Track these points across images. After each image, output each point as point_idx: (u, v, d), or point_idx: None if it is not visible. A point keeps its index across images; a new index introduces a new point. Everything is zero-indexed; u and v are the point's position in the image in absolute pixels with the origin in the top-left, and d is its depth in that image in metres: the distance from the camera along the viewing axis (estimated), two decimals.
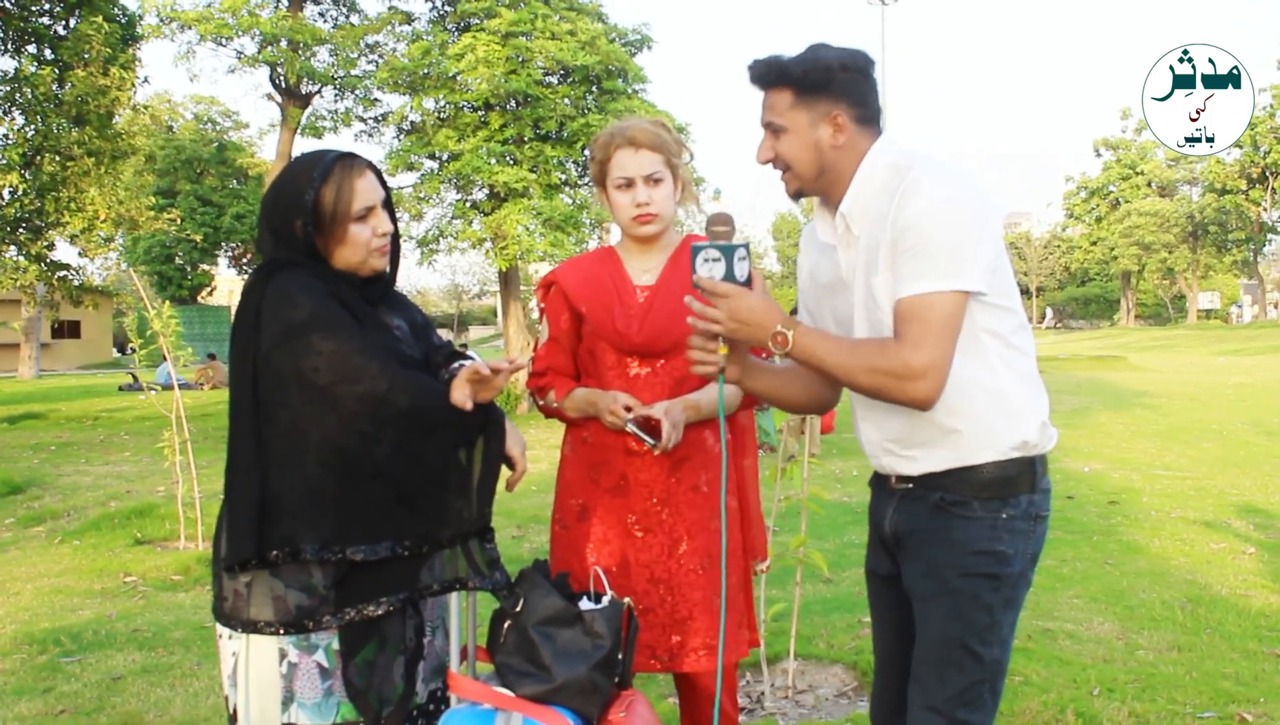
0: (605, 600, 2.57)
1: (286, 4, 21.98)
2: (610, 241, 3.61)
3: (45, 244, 17.56)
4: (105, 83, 15.94)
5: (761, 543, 3.28)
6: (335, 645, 2.33)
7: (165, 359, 8.19)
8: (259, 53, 20.98)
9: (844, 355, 2.25)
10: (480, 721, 2.40)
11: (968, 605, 2.33)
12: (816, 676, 4.74)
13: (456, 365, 2.51)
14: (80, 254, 20.49)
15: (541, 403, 3.14)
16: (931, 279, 2.21)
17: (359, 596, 2.31)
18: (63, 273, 18.17)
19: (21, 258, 17.59)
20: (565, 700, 2.40)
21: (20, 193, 16.50)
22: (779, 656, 4.79)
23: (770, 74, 2.39)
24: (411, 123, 19.18)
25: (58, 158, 16.51)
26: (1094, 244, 72.09)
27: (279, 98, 22.36)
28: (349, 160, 2.44)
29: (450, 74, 17.58)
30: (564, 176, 18.53)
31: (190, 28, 20.25)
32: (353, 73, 21.30)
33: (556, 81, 18.22)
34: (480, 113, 18.22)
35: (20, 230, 16.99)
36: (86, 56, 15.83)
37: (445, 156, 18.22)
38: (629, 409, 2.89)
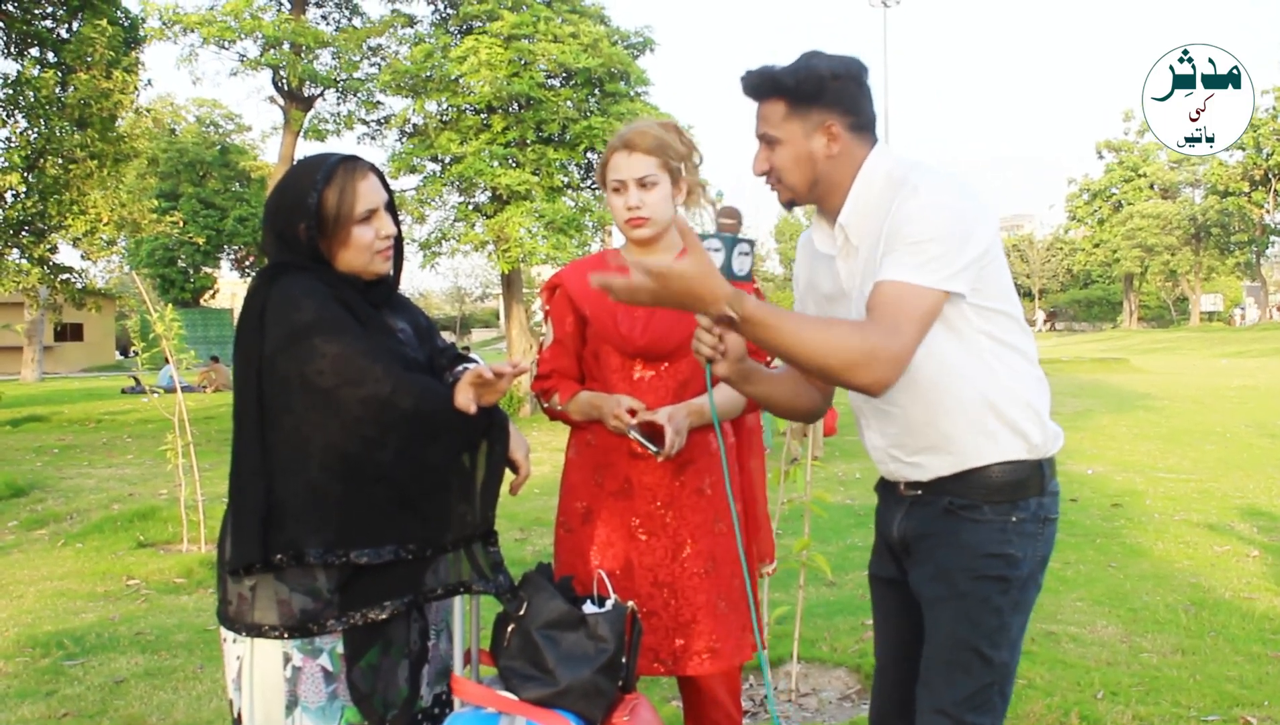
0: (609, 604, 2.56)
1: (289, 7, 21.98)
2: (613, 244, 3.61)
3: (48, 247, 17.56)
4: (108, 86, 15.94)
5: (768, 546, 3.28)
6: (339, 649, 2.33)
7: (168, 362, 8.18)
8: (261, 56, 20.97)
9: (806, 329, 2.16)
10: None
11: (977, 608, 2.34)
12: (820, 679, 4.74)
13: (460, 368, 2.51)
14: (83, 257, 20.46)
15: (546, 405, 3.14)
16: (913, 270, 2.20)
17: (363, 600, 2.31)
18: (65, 276, 18.17)
19: (24, 261, 17.60)
20: (569, 704, 2.40)
21: (23, 195, 16.50)
22: (782, 659, 4.80)
23: (763, 85, 2.39)
24: (414, 125, 19.18)
25: (60, 161, 16.51)
26: (1096, 246, 72.03)
27: (281, 100, 22.36)
28: (351, 163, 2.44)
29: (452, 77, 17.57)
30: (566, 179, 18.53)
31: (193, 31, 20.23)
32: (355, 75, 21.29)
33: (559, 84, 18.21)
34: (483, 115, 18.22)
35: (23, 233, 16.99)
36: (89, 59, 15.85)
37: (448, 159, 18.22)
38: (632, 413, 2.89)
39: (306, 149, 21.76)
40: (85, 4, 16.50)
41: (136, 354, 8.90)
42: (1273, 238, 65.35)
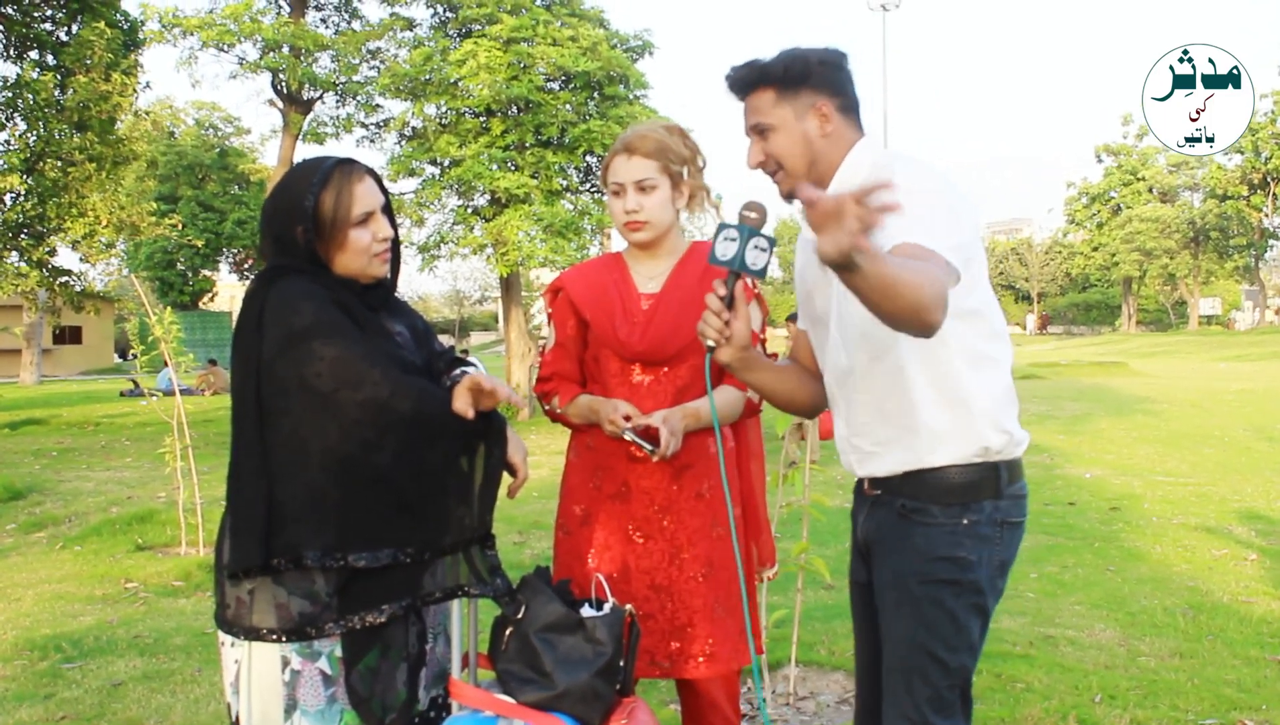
0: (607, 607, 2.56)
1: (288, 10, 22.01)
2: (612, 247, 3.61)
3: (47, 250, 17.55)
4: (107, 88, 15.95)
5: (769, 549, 3.28)
6: (338, 652, 2.33)
7: (166, 365, 8.18)
8: (261, 59, 21.00)
9: (911, 272, 1.95)
10: None
11: (930, 612, 2.33)
12: (818, 683, 4.74)
13: (459, 372, 2.51)
14: (82, 260, 20.51)
15: (547, 408, 3.15)
16: (907, 234, 2.09)
17: (362, 603, 2.31)
18: (64, 278, 18.16)
19: (23, 263, 17.59)
20: (567, 707, 2.40)
21: (22, 198, 16.50)
22: (780, 663, 4.79)
23: (750, 76, 2.41)
24: (413, 128, 19.18)
25: (59, 163, 16.51)
26: (1095, 250, 72.06)
27: (280, 103, 22.38)
28: (348, 166, 2.44)
29: (452, 80, 17.58)
30: (565, 182, 18.52)
31: (192, 34, 20.27)
32: (354, 79, 21.31)
33: (558, 87, 18.21)
34: (482, 119, 18.22)
35: (22, 236, 16.98)
36: (88, 62, 15.85)
37: (447, 162, 18.21)
38: (629, 418, 2.89)
39: (305, 152, 21.76)
40: (84, 7, 16.51)
41: (135, 357, 8.91)
42: (1271, 241, 65.41)
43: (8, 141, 16.72)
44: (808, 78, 2.36)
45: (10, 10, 16.52)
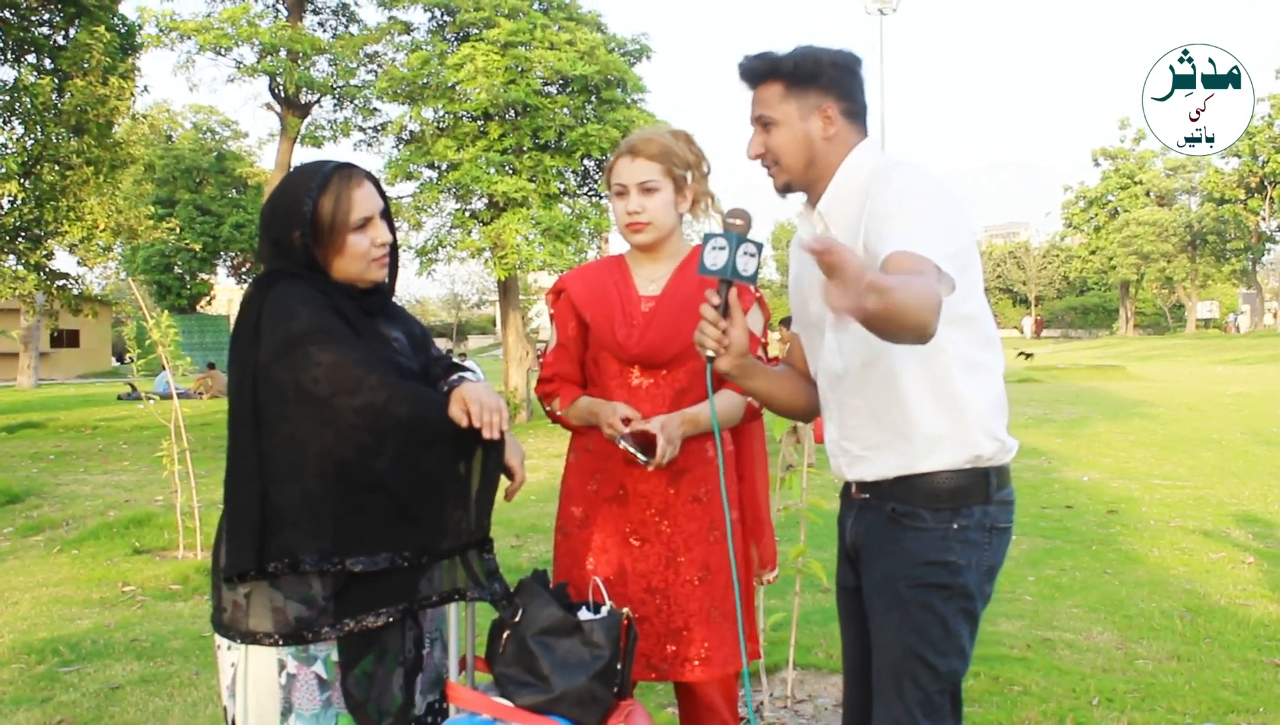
0: (604, 610, 2.57)
1: (286, 14, 22.00)
2: (610, 250, 3.62)
3: (44, 253, 17.54)
4: (104, 92, 15.95)
5: (770, 552, 3.28)
6: (334, 656, 2.33)
7: (164, 368, 8.18)
8: (258, 62, 20.98)
9: (912, 290, 1.96)
10: None
11: (919, 616, 2.34)
12: (815, 686, 4.74)
13: (455, 377, 2.52)
14: (79, 263, 20.54)
15: (548, 409, 3.16)
16: (903, 243, 2.12)
17: (358, 608, 2.31)
18: (62, 282, 18.16)
19: (20, 267, 17.58)
20: (564, 710, 2.40)
21: (19, 202, 16.50)
22: (778, 666, 4.80)
23: (761, 68, 2.41)
24: (410, 132, 19.16)
25: (57, 167, 16.52)
26: (1093, 253, 72.07)
27: (278, 107, 22.36)
28: (347, 170, 2.44)
29: (449, 84, 17.56)
30: (563, 186, 18.50)
31: (189, 37, 20.24)
32: (352, 82, 21.29)
33: (555, 91, 18.21)
34: (479, 122, 18.21)
35: (19, 239, 16.98)
36: (86, 66, 15.85)
37: (444, 166, 18.19)
38: (627, 421, 2.89)
39: (303, 156, 21.80)
40: (82, 10, 16.50)
41: (132, 360, 8.89)
42: (1268, 245, 65.43)
43: (5, 145, 16.74)
44: (818, 78, 2.37)
45: (8, 14, 16.52)
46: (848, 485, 2.55)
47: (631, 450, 2.84)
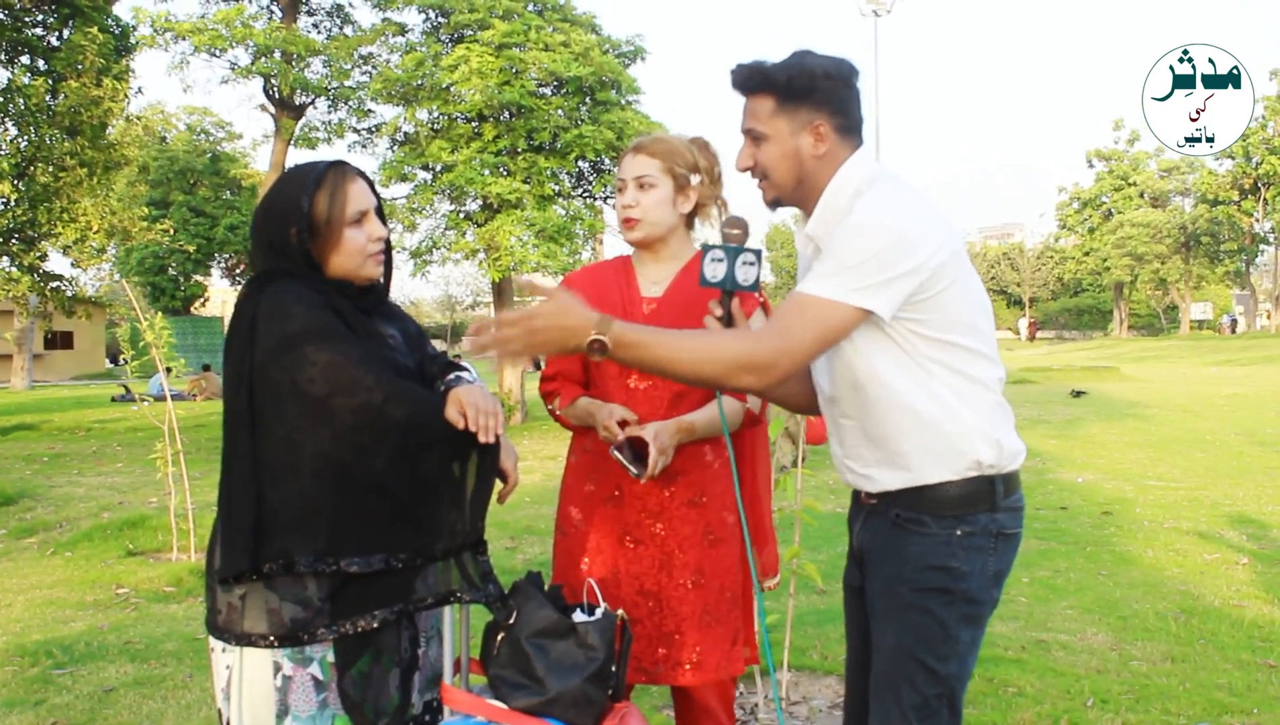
0: (598, 612, 2.56)
1: (280, 16, 22.01)
2: (604, 252, 3.63)
3: (38, 255, 17.50)
4: (98, 93, 15.93)
5: (773, 559, 3.28)
6: (330, 658, 2.32)
7: (158, 370, 8.16)
8: (252, 64, 20.98)
9: (682, 343, 2.17)
10: None
11: (920, 620, 2.33)
12: (810, 688, 4.74)
13: (451, 376, 2.51)
14: (73, 265, 20.43)
15: (549, 407, 3.16)
16: (820, 281, 2.20)
17: (354, 609, 2.31)
18: (55, 283, 18.12)
19: (14, 268, 17.53)
20: (558, 713, 2.39)
21: (13, 203, 16.46)
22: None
23: (753, 79, 2.38)
24: (405, 134, 19.15)
25: (50, 168, 16.48)
26: (1086, 254, 72.08)
27: (272, 109, 22.37)
28: (340, 167, 2.46)
29: (444, 85, 17.55)
30: (557, 187, 18.49)
31: (184, 39, 20.23)
32: (346, 84, 21.29)
33: (550, 93, 18.20)
34: (474, 124, 18.21)
35: (13, 241, 16.94)
36: (80, 67, 15.84)
37: (439, 168, 18.19)
38: (624, 424, 2.89)
39: (297, 157, 21.79)
40: (76, 11, 16.49)
41: (126, 362, 8.88)
42: (1262, 246, 65.52)
43: None
44: (810, 94, 2.33)
45: (1, 15, 16.50)
46: (856, 490, 2.56)
47: (622, 461, 2.83)
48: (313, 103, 22.10)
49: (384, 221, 2.53)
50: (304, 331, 2.27)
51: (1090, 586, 6.52)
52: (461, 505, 2.39)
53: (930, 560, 2.33)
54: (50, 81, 16.29)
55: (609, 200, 19.61)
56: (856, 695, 2.59)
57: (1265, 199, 59.88)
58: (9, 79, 16.39)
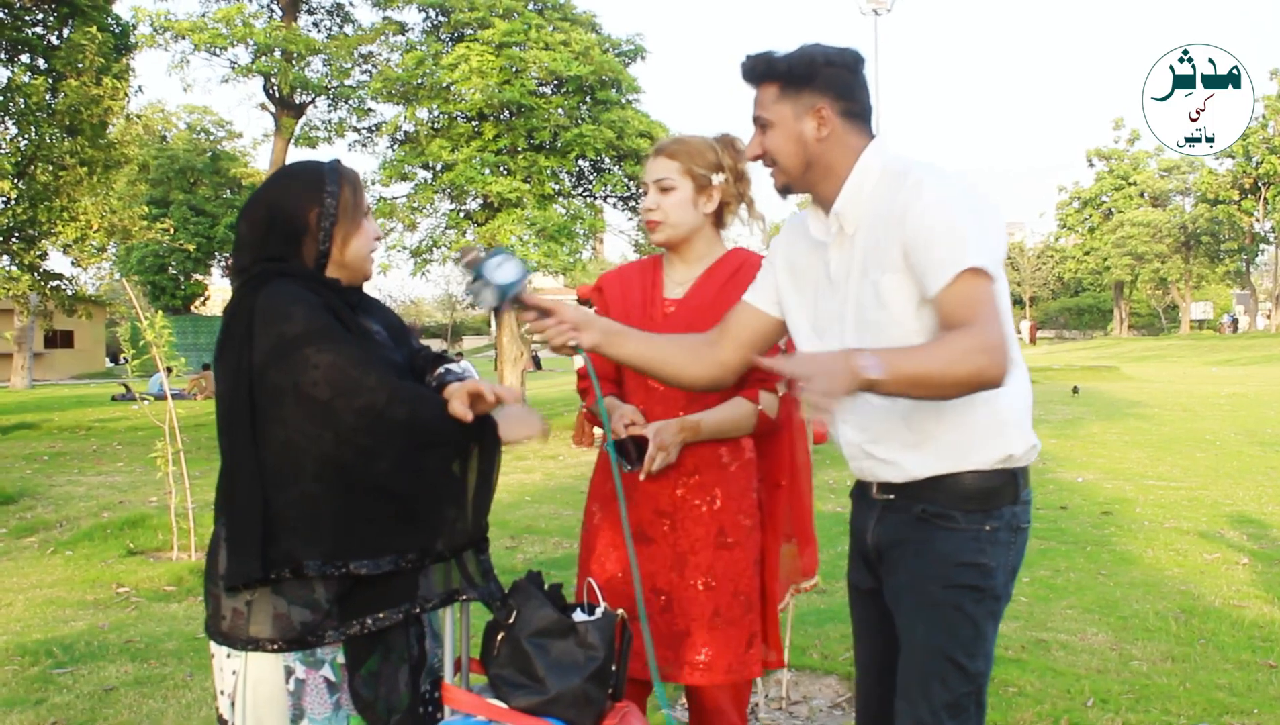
0: (599, 612, 2.56)
1: (280, 14, 22.01)
2: (603, 252, 3.64)
3: (38, 253, 17.51)
4: (98, 92, 15.93)
5: (812, 561, 3.30)
6: (340, 659, 2.31)
7: (158, 369, 8.16)
8: (253, 63, 21.00)
9: (933, 356, 2.12)
10: None
11: (952, 617, 2.33)
12: (810, 688, 4.74)
13: (441, 370, 2.51)
14: (73, 264, 20.40)
15: (581, 404, 3.20)
16: (954, 264, 2.18)
17: (363, 610, 2.30)
18: (56, 282, 18.13)
19: (14, 267, 17.54)
20: (559, 712, 2.39)
21: (13, 202, 16.47)
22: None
23: (758, 68, 2.42)
24: (405, 133, 19.15)
25: (50, 167, 16.49)
26: (1087, 254, 72.08)
27: (272, 108, 22.39)
28: (339, 165, 2.49)
29: (444, 84, 17.56)
30: (557, 187, 18.50)
31: (184, 38, 20.25)
32: (346, 83, 21.31)
33: (550, 92, 18.21)
34: (474, 123, 18.21)
35: (13, 240, 16.95)
36: (79, 66, 15.84)
37: (439, 167, 18.19)
38: (631, 423, 2.90)
39: (298, 156, 21.77)
40: (76, 10, 16.49)
41: (127, 361, 8.88)
42: (1262, 246, 65.51)
43: None
44: (812, 79, 2.36)
45: (1, 14, 16.50)
46: (865, 486, 2.53)
47: (614, 457, 2.82)
48: (313, 101, 22.12)
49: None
50: (304, 333, 2.25)
51: (1090, 586, 6.52)
52: (463, 503, 2.39)
53: (961, 557, 2.33)
54: (50, 80, 16.30)
55: (609, 199, 19.64)
56: (874, 698, 2.57)
57: (1265, 198, 59.86)
58: (9, 78, 16.40)
